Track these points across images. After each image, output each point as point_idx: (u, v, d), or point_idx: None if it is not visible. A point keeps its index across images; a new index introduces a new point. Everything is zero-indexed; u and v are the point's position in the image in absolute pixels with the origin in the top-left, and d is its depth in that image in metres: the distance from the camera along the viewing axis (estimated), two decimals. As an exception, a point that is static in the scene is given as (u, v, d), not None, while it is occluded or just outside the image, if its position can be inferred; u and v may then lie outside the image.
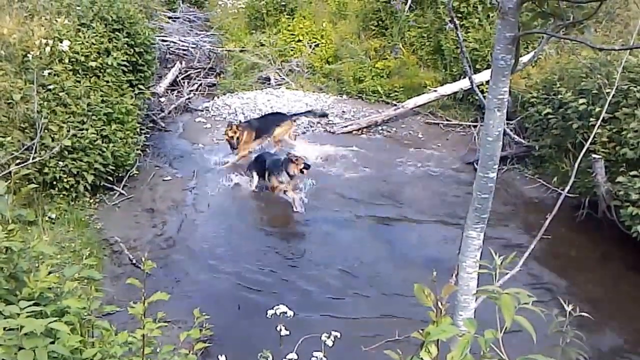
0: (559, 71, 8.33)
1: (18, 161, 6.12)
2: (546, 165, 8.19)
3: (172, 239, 6.89)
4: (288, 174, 7.61)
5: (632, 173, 6.33)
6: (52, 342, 2.47)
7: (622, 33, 9.07)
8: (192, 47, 13.36)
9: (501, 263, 1.99)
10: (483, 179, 2.56)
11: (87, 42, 7.83)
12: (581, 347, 2.23)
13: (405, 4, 11.61)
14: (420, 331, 2.01)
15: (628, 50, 6.79)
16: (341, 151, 9.27)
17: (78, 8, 8.31)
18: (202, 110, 11.02)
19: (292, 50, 12.75)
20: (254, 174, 8.16)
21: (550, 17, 2.38)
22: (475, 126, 9.83)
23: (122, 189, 7.77)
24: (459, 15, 10.53)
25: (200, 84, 12.42)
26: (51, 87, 7.10)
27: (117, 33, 8.32)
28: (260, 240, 7.00)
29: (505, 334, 1.76)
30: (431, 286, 2.06)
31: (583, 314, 2.25)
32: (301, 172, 7.62)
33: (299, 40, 12.85)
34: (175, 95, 11.60)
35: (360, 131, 10.15)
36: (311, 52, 12.61)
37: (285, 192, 7.76)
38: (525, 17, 2.42)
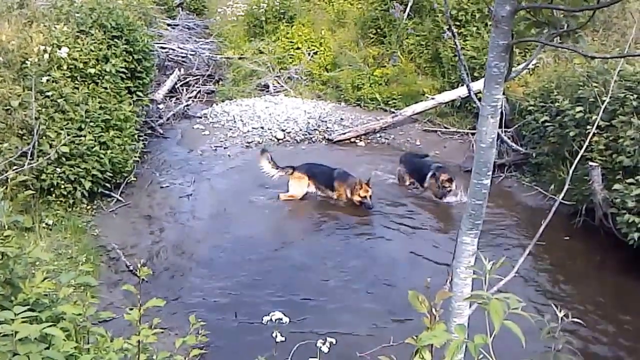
0: (556, 79, 8.37)
1: (15, 167, 6.12)
2: (543, 173, 8.20)
3: (169, 245, 6.88)
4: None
5: (628, 180, 6.34)
6: (47, 348, 2.46)
7: (619, 42, 9.13)
8: (191, 54, 13.42)
9: (490, 268, 1.99)
10: (477, 186, 2.57)
11: (85, 49, 7.87)
12: (573, 353, 2.24)
13: (404, 12, 11.67)
14: (415, 337, 2.01)
15: (623, 59, 6.82)
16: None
17: (77, 15, 8.36)
18: (200, 117, 11.06)
19: (290, 57, 12.81)
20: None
21: (544, 26, 2.39)
22: (473, 134, 9.83)
23: (120, 195, 7.77)
24: (457, 23, 10.58)
25: (199, 91, 12.48)
26: (49, 93, 7.12)
27: (116, 40, 8.36)
28: (258, 248, 6.98)
29: (498, 339, 1.76)
30: (426, 292, 2.06)
31: (575, 320, 2.25)
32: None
33: (298, 48, 12.92)
34: (174, 102, 11.66)
35: (358, 138, 10.19)
36: (310, 60, 12.67)
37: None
38: (521, 25, 2.42)
